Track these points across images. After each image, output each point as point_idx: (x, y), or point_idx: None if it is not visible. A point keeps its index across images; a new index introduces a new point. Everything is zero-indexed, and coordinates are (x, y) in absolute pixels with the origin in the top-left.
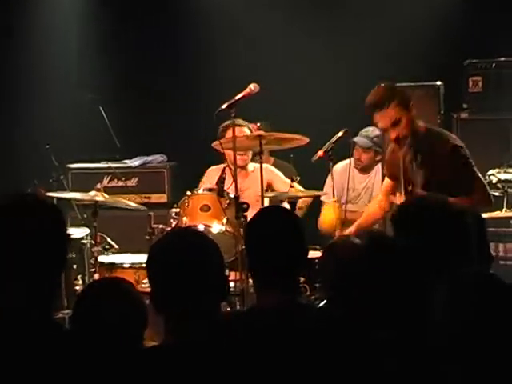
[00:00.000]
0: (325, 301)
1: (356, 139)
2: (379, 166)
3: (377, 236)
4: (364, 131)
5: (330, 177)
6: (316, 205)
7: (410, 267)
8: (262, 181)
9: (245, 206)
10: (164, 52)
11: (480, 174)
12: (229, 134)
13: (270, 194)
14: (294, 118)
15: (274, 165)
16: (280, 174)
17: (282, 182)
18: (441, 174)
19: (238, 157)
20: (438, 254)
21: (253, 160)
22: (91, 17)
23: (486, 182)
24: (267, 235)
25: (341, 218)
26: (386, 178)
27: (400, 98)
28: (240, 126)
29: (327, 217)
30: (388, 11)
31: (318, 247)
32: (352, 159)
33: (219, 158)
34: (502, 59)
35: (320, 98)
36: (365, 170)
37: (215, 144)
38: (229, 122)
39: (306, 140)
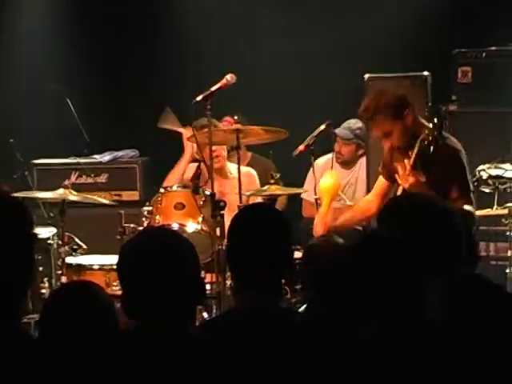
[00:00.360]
0: (305, 305)
1: (337, 131)
2: (363, 160)
3: (370, 232)
4: (346, 123)
5: (311, 172)
6: (296, 203)
7: (400, 263)
8: (240, 178)
9: (221, 204)
10: (136, 42)
11: (471, 184)
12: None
13: (247, 193)
14: (273, 110)
15: (252, 161)
16: (258, 184)
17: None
18: (437, 178)
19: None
20: (426, 251)
21: (229, 157)
22: (60, 8)
23: (473, 199)
24: (252, 231)
25: (339, 188)
26: (381, 178)
27: (390, 109)
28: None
29: (327, 181)
30: None
31: (298, 247)
32: (334, 153)
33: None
34: (493, 48)
35: (302, 90)
36: (347, 164)
37: (189, 138)
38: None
39: (286, 133)
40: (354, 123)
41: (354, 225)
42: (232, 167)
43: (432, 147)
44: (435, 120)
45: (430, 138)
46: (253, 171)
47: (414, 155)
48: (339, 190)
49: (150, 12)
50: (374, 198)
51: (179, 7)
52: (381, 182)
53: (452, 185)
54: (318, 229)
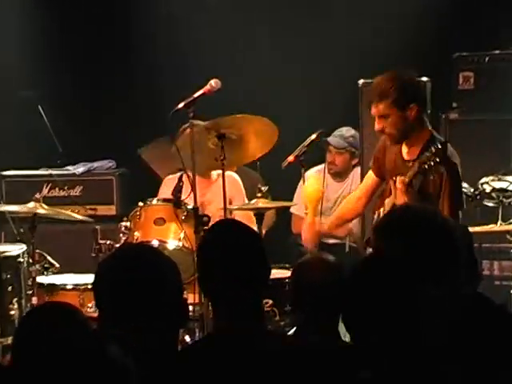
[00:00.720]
0: (295, 327)
1: (329, 139)
2: (356, 171)
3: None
4: (338, 131)
5: (301, 185)
6: (285, 218)
7: (399, 284)
8: (225, 187)
9: (205, 218)
10: (112, 46)
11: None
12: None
13: (234, 206)
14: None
15: (238, 172)
16: (243, 190)
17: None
18: (430, 194)
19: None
20: (426, 263)
21: None
22: (33, 12)
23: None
24: (222, 249)
25: (323, 193)
26: (371, 174)
27: (396, 96)
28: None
29: (311, 187)
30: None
31: (287, 265)
32: (326, 164)
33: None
34: (497, 52)
35: (291, 96)
36: (340, 175)
37: (172, 150)
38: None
39: (276, 131)
40: (347, 131)
41: (343, 224)
42: (214, 175)
43: (431, 175)
44: (439, 145)
45: (431, 163)
46: (236, 176)
47: (410, 177)
48: (323, 194)
49: (125, 18)
50: (361, 194)
51: (158, 14)
52: (370, 178)
53: (444, 201)
54: (307, 238)
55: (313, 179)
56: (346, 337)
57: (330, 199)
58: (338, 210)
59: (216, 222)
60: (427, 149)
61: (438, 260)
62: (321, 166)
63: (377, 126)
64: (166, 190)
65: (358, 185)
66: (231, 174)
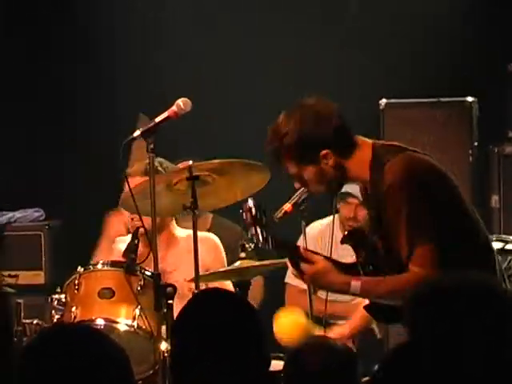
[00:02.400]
0: None
1: (347, 188)
2: None
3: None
4: None
5: (301, 242)
6: (277, 289)
7: None
8: (197, 249)
9: (169, 289)
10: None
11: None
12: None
13: (208, 272)
14: (245, 151)
15: (214, 225)
16: (225, 259)
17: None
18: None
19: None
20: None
21: (179, 219)
22: None
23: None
24: (207, 330)
25: (304, 324)
26: None
27: (295, 153)
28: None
29: (283, 322)
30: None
31: (281, 355)
32: (337, 216)
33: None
34: None
35: None
36: None
37: (125, 194)
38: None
39: (267, 177)
40: None
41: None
42: (181, 232)
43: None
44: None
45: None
46: (215, 239)
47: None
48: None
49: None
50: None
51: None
52: None
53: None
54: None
55: (286, 315)
56: None
57: None
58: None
59: (199, 292)
60: (375, 169)
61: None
62: (328, 219)
63: (296, 185)
64: (109, 235)
65: None
66: (208, 236)
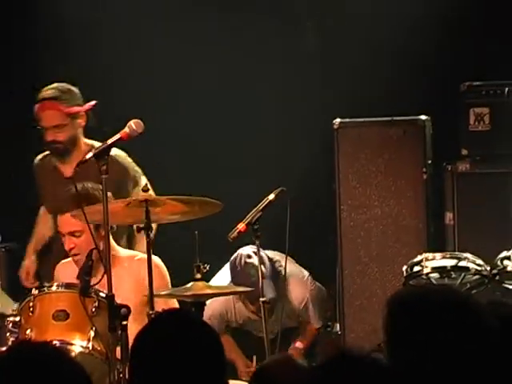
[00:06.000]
0: None
1: None
2: None
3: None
4: None
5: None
6: None
7: None
8: (151, 270)
9: (123, 310)
10: None
11: None
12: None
13: (161, 293)
14: (200, 174)
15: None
16: (169, 280)
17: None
18: None
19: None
20: None
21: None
22: None
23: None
24: (167, 352)
25: None
26: None
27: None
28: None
29: None
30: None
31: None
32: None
33: None
34: None
35: (244, 141)
36: None
37: (73, 214)
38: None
39: (220, 206)
40: None
41: None
42: (121, 252)
43: None
44: None
45: None
46: (158, 261)
47: None
48: None
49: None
50: None
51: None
52: None
53: None
54: None
55: None
56: None
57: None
58: None
59: (157, 315)
60: None
61: None
62: None
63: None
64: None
65: None
66: (153, 260)
